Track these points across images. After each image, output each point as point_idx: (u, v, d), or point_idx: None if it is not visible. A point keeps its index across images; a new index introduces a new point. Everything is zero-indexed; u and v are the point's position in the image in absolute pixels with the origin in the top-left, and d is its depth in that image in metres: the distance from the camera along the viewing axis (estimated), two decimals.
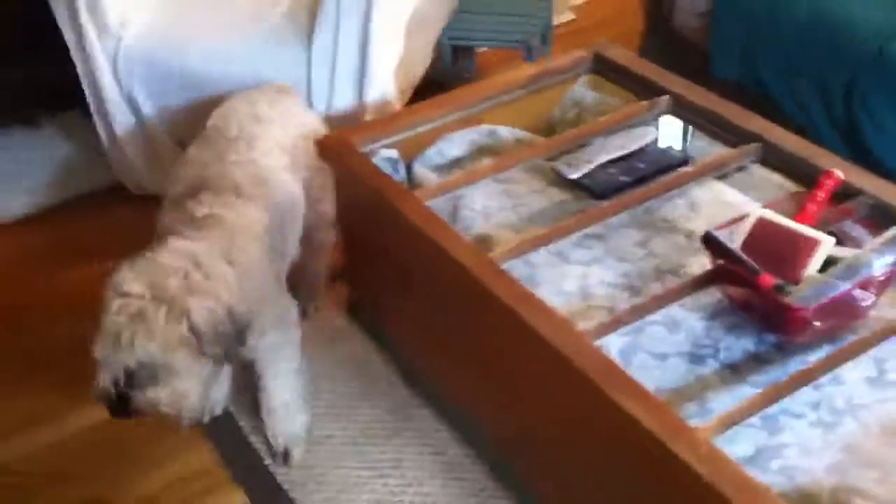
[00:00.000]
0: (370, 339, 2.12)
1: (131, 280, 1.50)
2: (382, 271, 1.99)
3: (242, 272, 1.61)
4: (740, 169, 1.91)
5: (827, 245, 1.52)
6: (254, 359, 1.78)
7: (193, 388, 1.55)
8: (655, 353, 1.58)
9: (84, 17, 2.37)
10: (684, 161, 1.96)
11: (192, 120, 2.42)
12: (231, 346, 1.56)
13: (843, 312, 1.51)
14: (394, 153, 2.01)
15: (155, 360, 1.49)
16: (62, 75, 2.55)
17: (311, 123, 2.04)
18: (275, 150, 1.88)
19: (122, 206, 2.56)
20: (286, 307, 1.80)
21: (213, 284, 1.54)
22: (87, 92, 2.50)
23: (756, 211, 1.60)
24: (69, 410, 1.99)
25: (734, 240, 1.58)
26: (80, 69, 2.46)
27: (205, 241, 1.61)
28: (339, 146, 1.93)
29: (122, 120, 2.50)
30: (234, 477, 1.86)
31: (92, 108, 2.53)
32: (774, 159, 1.89)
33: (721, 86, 2.47)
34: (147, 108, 2.48)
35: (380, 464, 1.87)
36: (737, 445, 1.41)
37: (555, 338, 1.48)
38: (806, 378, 1.42)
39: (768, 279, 1.48)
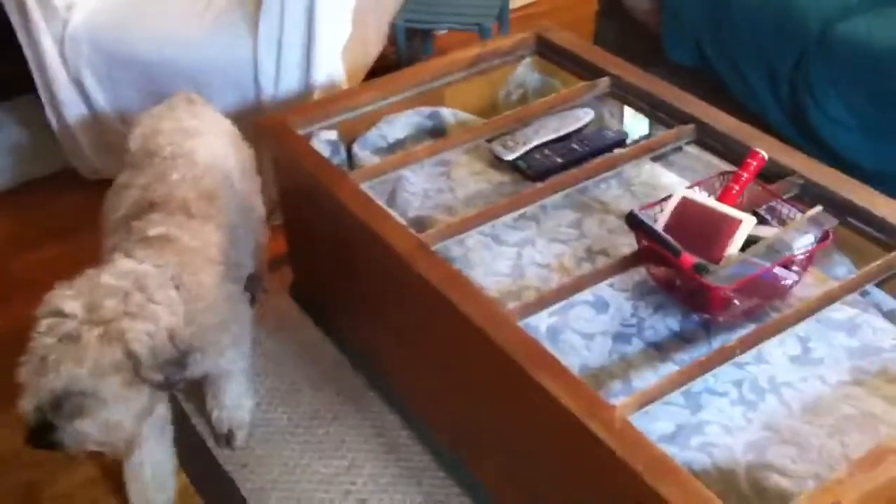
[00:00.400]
0: (315, 323, 2.12)
1: (67, 298, 1.40)
2: (322, 255, 1.99)
3: (192, 297, 1.53)
4: (676, 150, 1.92)
5: (747, 224, 1.53)
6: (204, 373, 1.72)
7: (126, 420, 1.43)
8: (583, 333, 1.59)
9: (30, 0, 2.36)
10: (620, 142, 1.97)
11: (142, 106, 2.42)
12: (173, 372, 1.45)
13: (765, 291, 1.53)
14: (333, 135, 2.00)
15: (84, 388, 1.37)
16: (14, 60, 2.54)
17: (234, 130, 1.97)
18: (216, 162, 1.79)
19: (76, 190, 2.56)
20: (244, 322, 1.74)
21: (156, 308, 1.44)
22: (35, 77, 2.50)
23: (679, 191, 1.61)
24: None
25: (658, 220, 1.59)
26: (27, 53, 2.45)
27: (153, 261, 1.51)
28: (276, 128, 1.93)
29: (71, 106, 2.49)
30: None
31: (41, 93, 2.53)
32: (710, 140, 1.90)
33: (677, 71, 2.49)
34: (96, 93, 2.47)
35: (322, 446, 1.88)
36: (659, 423, 1.42)
37: (479, 318, 1.49)
38: (727, 355, 1.44)
39: (689, 259, 1.49)
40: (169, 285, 1.49)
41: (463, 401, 1.67)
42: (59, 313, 1.38)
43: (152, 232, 1.56)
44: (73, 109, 2.50)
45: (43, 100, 2.54)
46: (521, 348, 1.44)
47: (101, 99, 2.48)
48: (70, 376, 1.35)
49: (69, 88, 2.47)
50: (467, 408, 1.68)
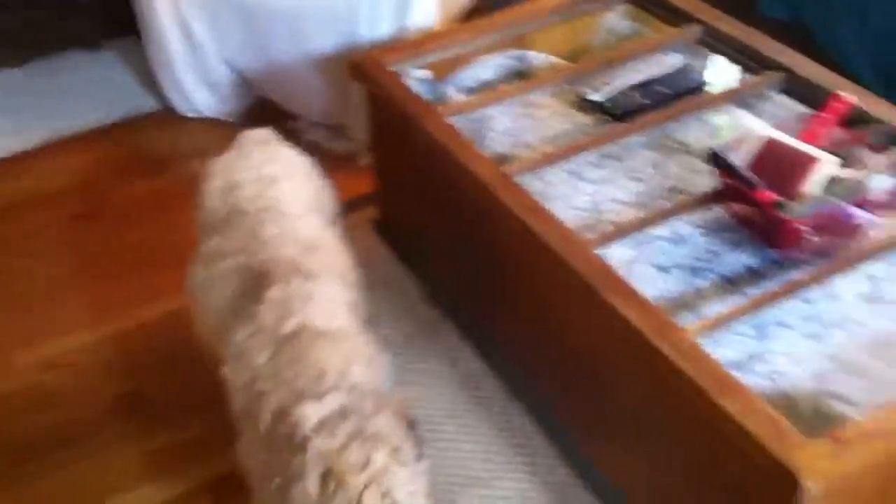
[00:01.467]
0: (398, 259, 2.21)
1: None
2: (409, 190, 2.08)
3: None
4: (763, 97, 1.94)
5: (828, 164, 1.55)
6: None
7: None
8: (658, 266, 1.63)
9: None
10: (707, 87, 1.99)
11: (246, 46, 2.54)
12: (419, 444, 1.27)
13: (839, 230, 1.55)
14: (426, 73, 2.08)
15: None
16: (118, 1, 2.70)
17: (309, 165, 1.75)
18: (306, 205, 1.63)
19: (170, 129, 2.72)
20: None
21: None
22: (141, 16, 2.64)
23: (761, 131, 1.64)
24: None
25: (740, 158, 1.62)
26: None
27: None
28: (369, 65, 2.01)
29: (175, 44, 2.61)
30: None
31: (145, 32, 2.67)
32: (798, 89, 1.91)
33: (767, 24, 2.47)
34: (202, 34, 2.59)
35: (396, 376, 1.97)
36: (726, 350, 1.47)
37: (558, 244, 1.56)
38: (796, 288, 1.47)
39: (767, 194, 1.53)
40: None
41: (538, 330, 1.74)
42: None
43: (287, 326, 1.35)
44: (177, 48, 2.63)
45: (145, 40, 2.68)
46: (596, 274, 1.50)
47: (206, 39, 2.60)
48: None
49: (174, 29, 2.60)
50: (541, 337, 1.75)
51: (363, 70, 2.02)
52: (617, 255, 1.64)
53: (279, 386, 1.29)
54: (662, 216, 1.65)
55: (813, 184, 1.54)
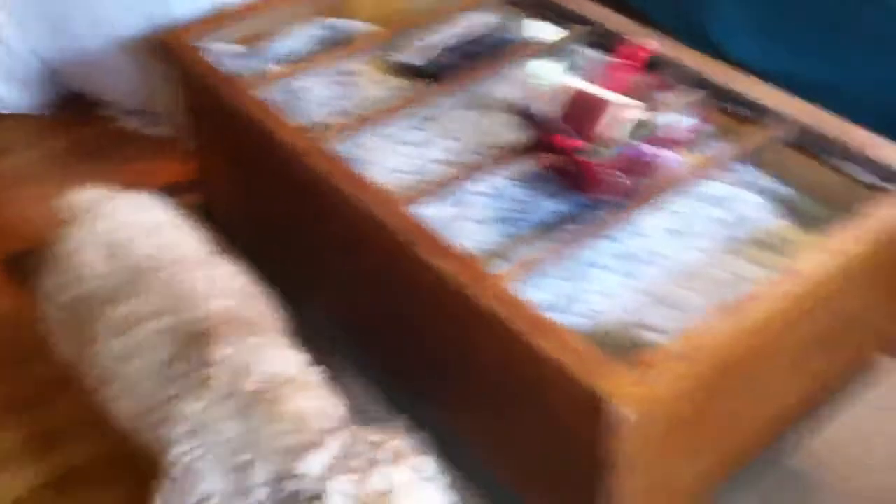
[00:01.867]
0: (225, 244, 2.14)
1: None
2: (227, 170, 2.02)
3: None
4: (573, 52, 1.98)
5: (628, 108, 1.59)
6: None
7: None
8: (475, 220, 1.64)
9: None
10: (519, 44, 2.02)
11: (49, 30, 2.41)
12: None
13: (643, 169, 1.60)
14: (236, 48, 2.03)
15: None
16: None
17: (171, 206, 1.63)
18: (206, 252, 1.54)
19: None
20: None
21: None
22: None
23: (565, 81, 1.67)
24: None
25: (550, 110, 1.65)
26: None
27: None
28: (174, 43, 1.95)
29: None
30: None
31: None
32: (605, 41, 1.96)
33: None
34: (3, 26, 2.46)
35: None
36: (542, 293, 1.49)
37: (372, 206, 1.55)
38: (604, 228, 1.51)
39: (570, 141, 1.56)
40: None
41: (363, 294, 1.73)
42: None
43: (250, 385, 1.24)
44: None
45: None
46: (409, 230, 1.50)
47: (7, 29, 2.46)
48: None
49: None
50: (367, 300, 1.73)
51: (166, 49, 1.95)
52: (436, 213, 1.64)
53: (265, 450, 1.19)
54: (478, 172, 1.66)
55: (618, 128, 1.58)
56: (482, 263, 1.47)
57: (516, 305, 1.36)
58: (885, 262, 1.56)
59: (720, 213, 1.61)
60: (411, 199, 1.58)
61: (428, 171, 1.76)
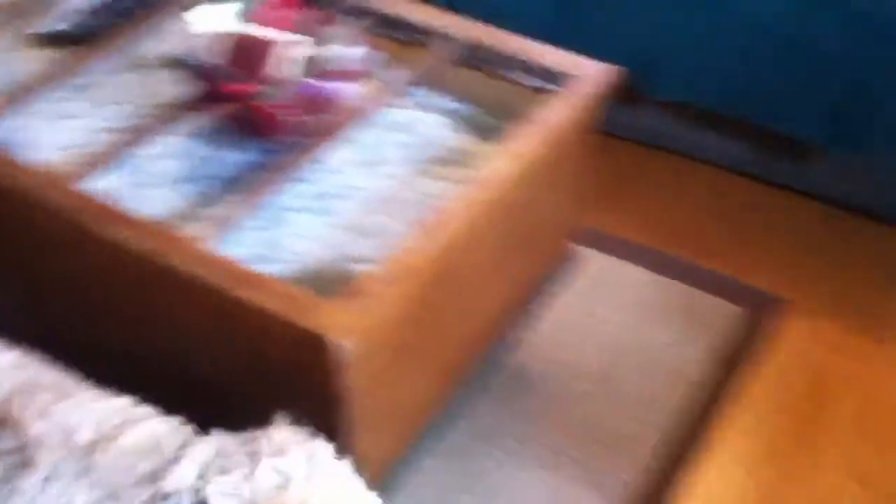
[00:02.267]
0: None
1: None
2: None
3: None
4: None
5: (293, 45, 1.56)
6: None
7: None
8: (157, 185, 1.55)
9: None
10: None
11: None
12: None
13: (320, 106, 1.58)
14: None
15: None
16: None
17: None
18: None
19: None
20: None
21: None
22: None
23: (234, 26, 1.60)
24: None
25: (215, 58, 1.58)
26: None
27: None
28: None
29: None
30: None
31: None
32: None
33: None
34: None
35: None
36: (242, 247, 1.44)
37: (34, 190, 1.41)
38: (291, 170, 1.48)
39: (238, 86, 1.50)
40: None
41: (52, 283, 1.59)
42: None
43: (83, 440, 1.16)
44: None
45: None
46: (80, 207, 1.39)
47: None
48: None
49: None
50: (59, 291, 1.60)
51: None
52: (112, 184, 1.53)
53: (125, 485, 1.11)
54: (150, 134, 1.57)
55: (288, 67, 1.54)
56: (172, 228, 1.40)
57: (217, 264, 1.31)
58: (559, 159, 1.66)
59: (404, 137, 1.64)
60: (80, 175, 1.46)
61: (98, 142, 1.63)
